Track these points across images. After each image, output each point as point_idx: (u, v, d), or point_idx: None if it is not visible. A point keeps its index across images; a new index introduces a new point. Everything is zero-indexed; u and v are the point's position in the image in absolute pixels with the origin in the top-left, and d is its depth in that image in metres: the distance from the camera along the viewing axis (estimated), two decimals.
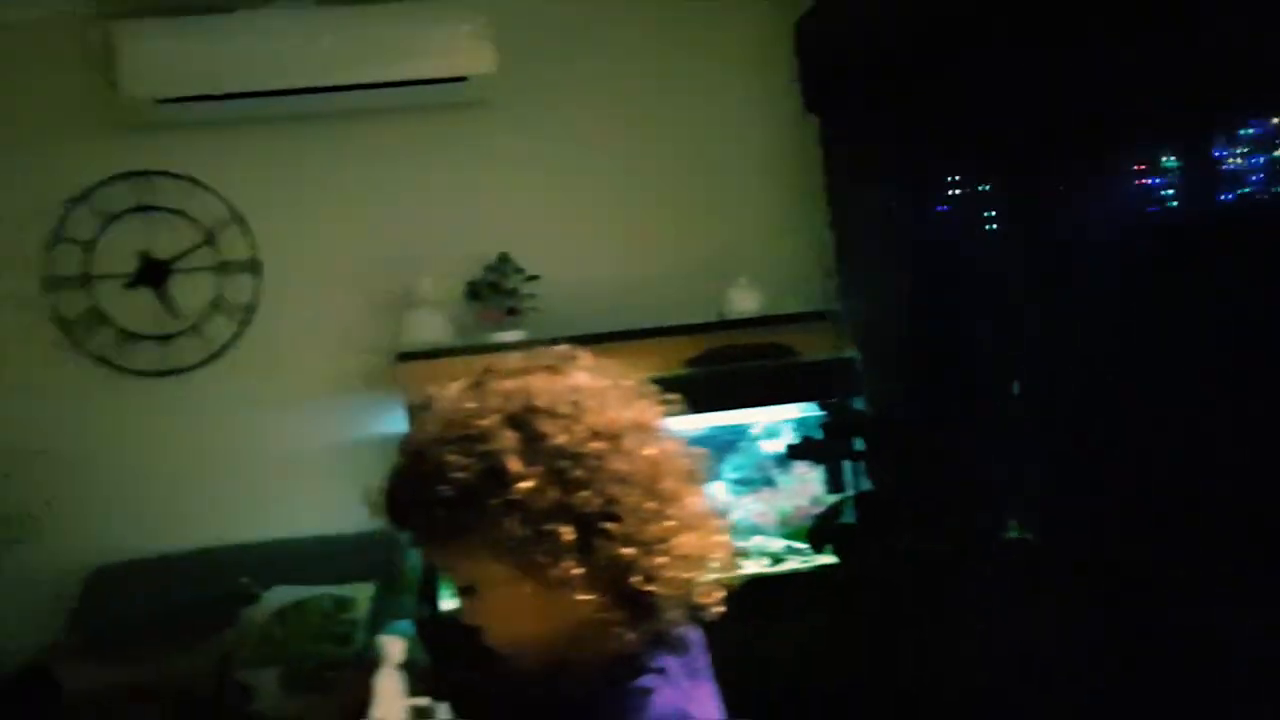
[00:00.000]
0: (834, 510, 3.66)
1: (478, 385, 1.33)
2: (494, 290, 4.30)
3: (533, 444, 1.25)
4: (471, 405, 1.29)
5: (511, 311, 4.28)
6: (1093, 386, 3.12)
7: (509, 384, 1.31)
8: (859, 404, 4.08)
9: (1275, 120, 3.10)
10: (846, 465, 4.11)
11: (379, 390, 4.35)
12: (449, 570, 1.32)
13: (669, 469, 1.30)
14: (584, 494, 1.24)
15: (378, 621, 3.92)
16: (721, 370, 4.09)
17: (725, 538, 1.34)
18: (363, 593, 4.00)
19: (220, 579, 4.04)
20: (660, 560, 1.25)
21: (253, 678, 3.77)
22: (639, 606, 1.24)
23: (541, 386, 1.30)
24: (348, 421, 4.40)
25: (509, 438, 1.25)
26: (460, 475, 1.24)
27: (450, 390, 1.34)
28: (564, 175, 4.55)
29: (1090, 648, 3.20)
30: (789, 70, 4.47)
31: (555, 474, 1.24)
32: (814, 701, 3.32)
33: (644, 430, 1.31)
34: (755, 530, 4.18)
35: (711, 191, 4.59)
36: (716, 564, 1.30)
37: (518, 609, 1.27)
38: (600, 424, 1.28)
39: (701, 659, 1.33)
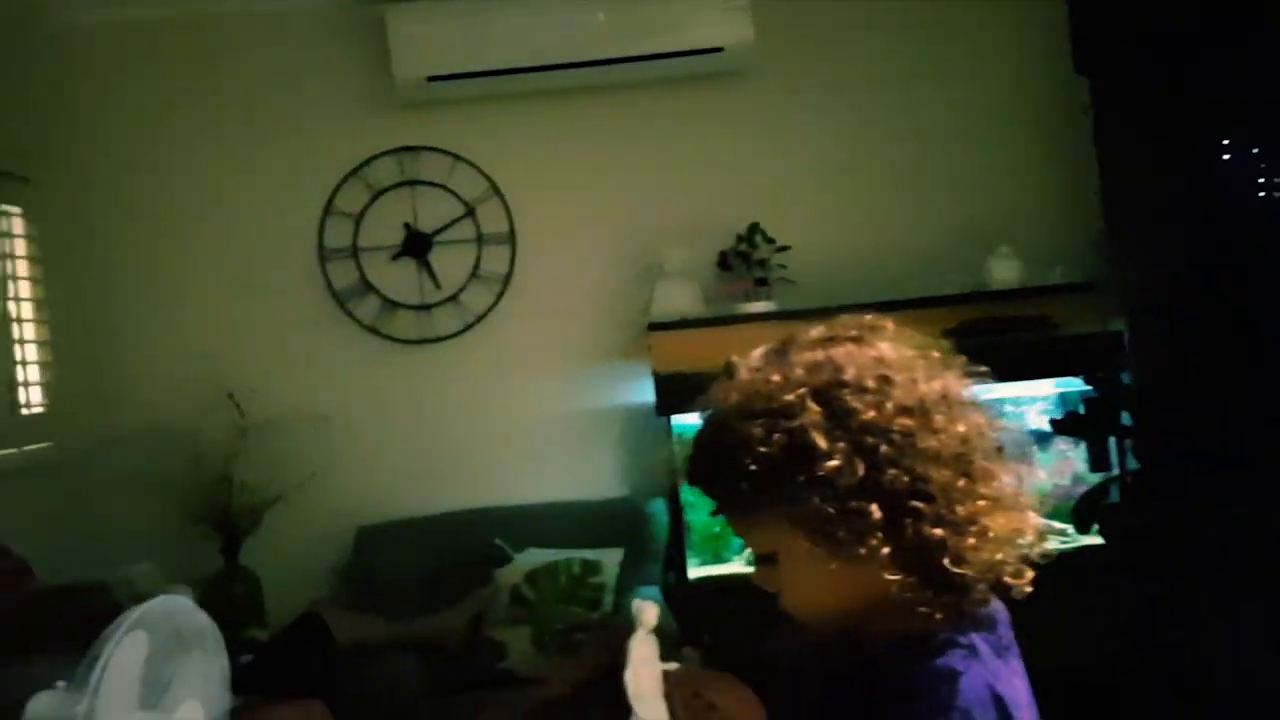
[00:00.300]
0: (1101, 489, 3.50)
1: (781, 355, 1.30)
2: (744, 260, 4.34)
3: (839, 420, 1.24)
4: (776, 377, 1.27)
5: (761, 282, 4.31)
6: None
7: (813, 355, 1.28)
8: (1125, 379, 3.88)
9: None
10: (1111, 443, 3.92)
11: (629, 359, 4.45)
12: (748, 539, 1.31)
13: (980, 445, 1.27)
14: (892, 472, 1.22)
15: (625, 586, 4.04)
16: (979, 343, 3.93)
17: (1036, 516, 1.29)
18: (610, 558, 4.11)
19: (474, 540, 4.24)
20: (971, 541, 1.23)
21: (505, 636, 3.92)
22: (946, 586, 1.22)
23: (847, 358, 1.27)
24: (598, 390, 4.55)
25: (814, 412, 1.24)
26: (764, 450, 1.23)
27: (752, 359, 1.31)
28: (817, 143, 4.56)
29: None
30: (1057, 31, 4.29)
31: (862, 451, 1.22)
32: (1072, 688, 3.19)
33: (953, 404, 1.28)
34: None
35: (970, 157, 4.51)
36: (1026, 543, 1.27)
37: (819, 581, 1.26)
38: (909, 399, 1.25)
39: (1008, 635, 1.29)
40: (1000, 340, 3.96)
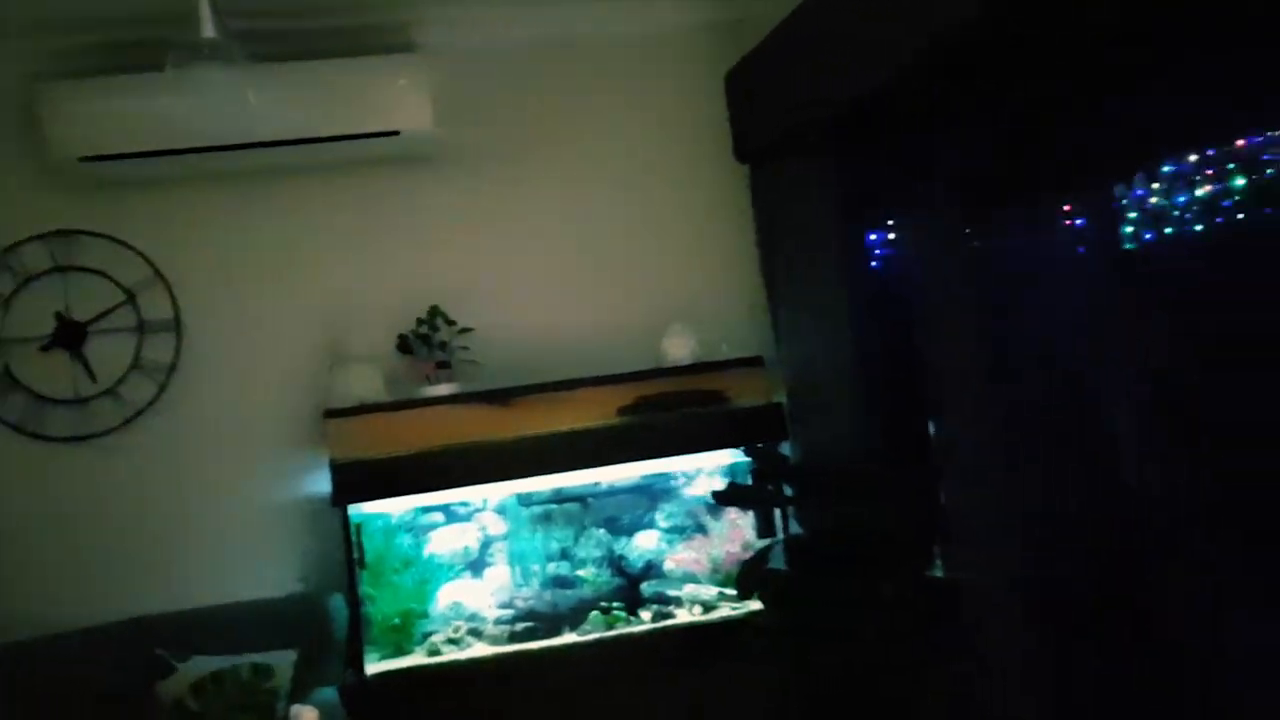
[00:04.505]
0: (760, 556, 3.77)
1: None
2: (424, 343, 4.45)
3: None
4: None
5: (442, 365, 4.47)
6: (1004, 427, 3.27)
7: None
8: (788, 448, 4.18)
9: (1193, 159, 3.31)
10: (778, 510, 4.22)
11: (308, 449, 4.51)
12: None
13: None
14: None
15: (301, 689, 4.03)
16: (653, 419, 4.21)
17: None
18: (284, 659, 4.09)
19: (135, 653, 4.11)
20: None
21: None
22: None
23: None
24: (273, 482, 4.57)
25: None
26: None
27: None
28: (499, 227, 4.81)
29: (1028, 687, 3.30)
30: (721, 120, 4.66)
31: None
32: None
33: None
34: (689, 578, 4.29)
35: (647, 240, 4.88)
36: None
37: None
38: None
39: None
40: (672, 416, 4.28)
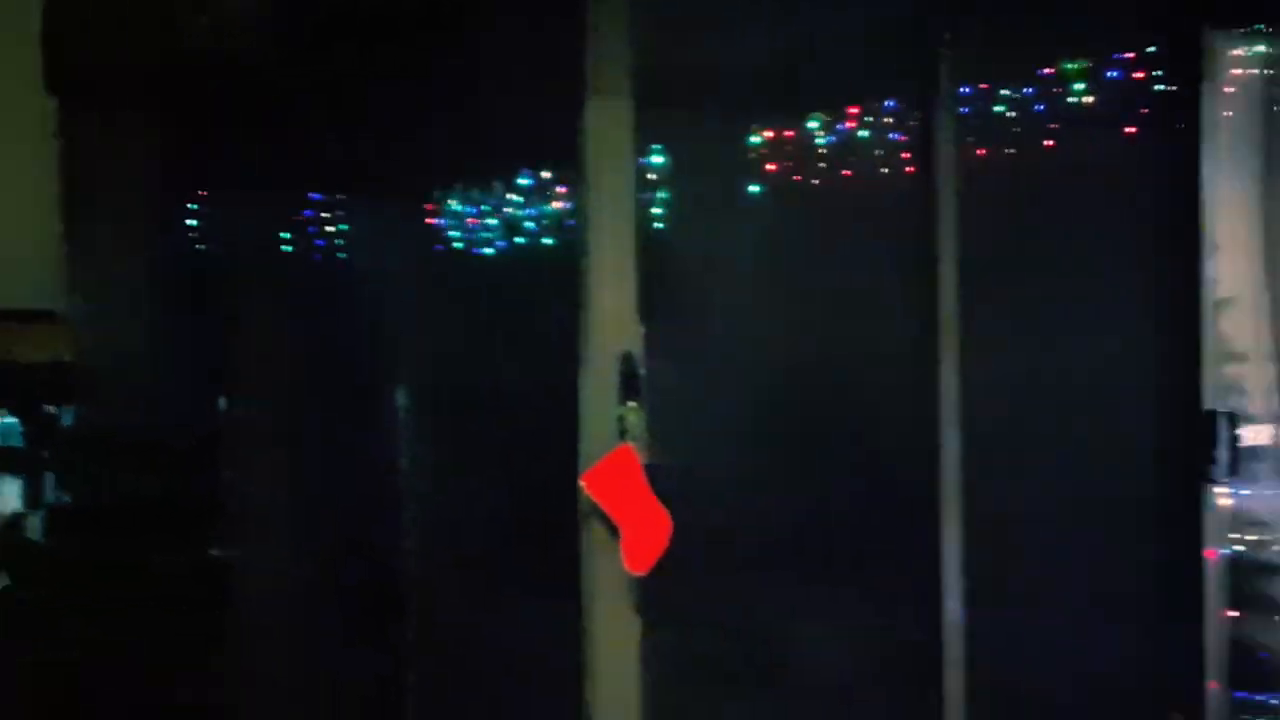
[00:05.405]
0: (9, 526, 3.53)
1: None
2: None
3: None
4: None
5: None
6: (293, 413, 3.31)
7: None
8: (73, 412, 3.98)
9: (546, 174, 3.48)
10: (51, 478, 3.98)
11: None
12: None
13: None
14: None
15: None
16: None
17: None
18: None
19: None
20: None
21: None
22: None
23: None
24: None
25: None
26: None
27: None
28: None
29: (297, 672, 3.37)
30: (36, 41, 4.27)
31: None
32: None
33: None
34: None
35: None
36: None
37: None
38: None
39: None
40: None
